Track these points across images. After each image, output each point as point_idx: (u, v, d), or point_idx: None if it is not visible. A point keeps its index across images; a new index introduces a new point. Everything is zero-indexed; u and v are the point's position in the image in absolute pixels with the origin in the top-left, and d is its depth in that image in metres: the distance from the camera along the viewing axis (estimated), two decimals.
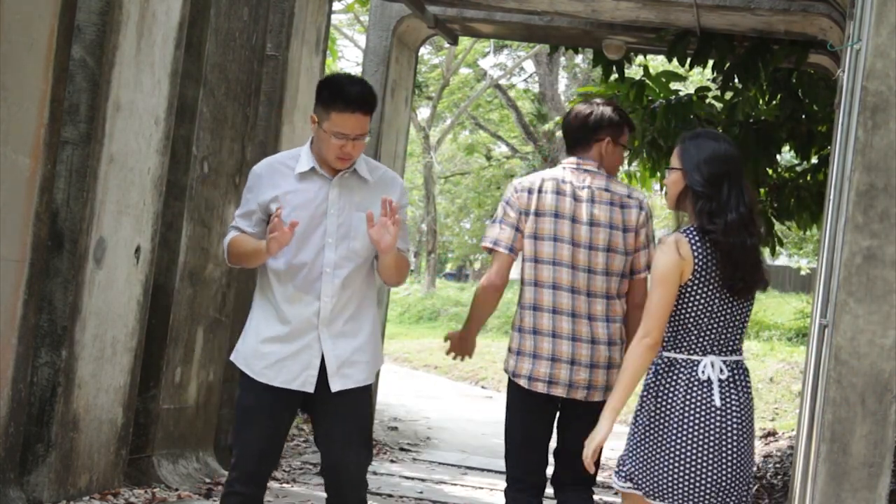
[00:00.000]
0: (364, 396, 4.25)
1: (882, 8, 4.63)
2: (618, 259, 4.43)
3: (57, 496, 5.67)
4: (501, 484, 4.89)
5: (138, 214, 6.16)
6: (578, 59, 27.17)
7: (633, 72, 12.65)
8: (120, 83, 5.84)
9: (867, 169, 4.61)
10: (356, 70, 19.80)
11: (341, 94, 4.09)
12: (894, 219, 4.58)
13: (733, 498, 3.92)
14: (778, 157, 10.81)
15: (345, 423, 4.20)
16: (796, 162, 11.17)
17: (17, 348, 5.23)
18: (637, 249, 4.45)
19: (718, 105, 10.53)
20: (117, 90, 5.82)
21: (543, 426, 4.56)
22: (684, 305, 3.92)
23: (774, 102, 10.11)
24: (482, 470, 9.03)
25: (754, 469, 3.92)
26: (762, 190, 10.77)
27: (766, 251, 12.16)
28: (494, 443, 10.98)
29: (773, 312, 22.06)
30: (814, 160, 10.57)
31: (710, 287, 3.92)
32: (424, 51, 27.47)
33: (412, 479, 8.30)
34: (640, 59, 13.57)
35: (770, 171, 10.61)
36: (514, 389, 4.57)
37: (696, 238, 3.93)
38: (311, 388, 4.16)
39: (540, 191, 4.49)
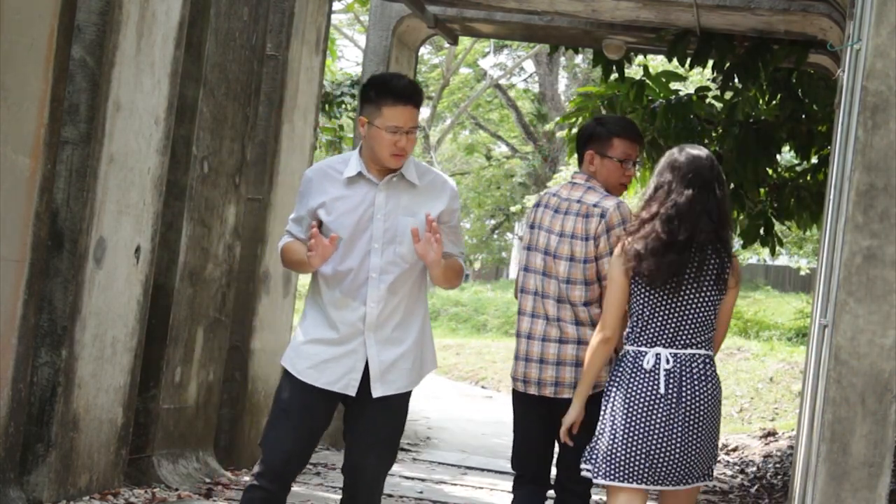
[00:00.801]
0: (402, 403, 4.27)
1: (882, 8, 4.63)
2: (577, 267, 4.56)
3: (57, 496, 5.67)
4: (501, 484, 5.02)
5: (138, 214, 6.16)
6: (578, 59, 27.18)
7: (633, 72, 12.64)
8: (120, 83, 5.84)
9: (867, 169, 4.61)
10: (356, 70, 19.81)
11: (390, 88, 4.12)
12: (894, 219, 4.58)
13: (684, 478, 4.22)
14: (778, 157, 10.81)
15: (377, 427, 4.21)
16: (796, 162, 11.17)
17: (17, 348, 5.23)
18: (599, 257, 4.54)
19: (718, 105, 10.53)
20: (117, 90, 5.82)
21: (538, 426, 4.70)
22: (631, 301, 4.31)
23: (774, 102, 10.11)
24: (482, 470, 9.02)
25: (716, 450, 4.34)
26: (762, 190, 10.77)
27: (765, 251, 12.17)
28: (494, 443, 10.98)
29: (773, 312, 22.06)
30: (814, 160, 10.57)
31: (646, 283, 4.26)
32: (424, 51, 27.47)
33: (412, 479, 8.30)
34: (640, 59, 13.57)
35: (770, 171, 10.61)
36: (512, 390, 4.82)
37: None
38: (353, 392, 4.16)
39: (538, 205, 4.76)
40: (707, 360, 4.28)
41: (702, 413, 4.21)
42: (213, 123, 6.88)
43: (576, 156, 4.88)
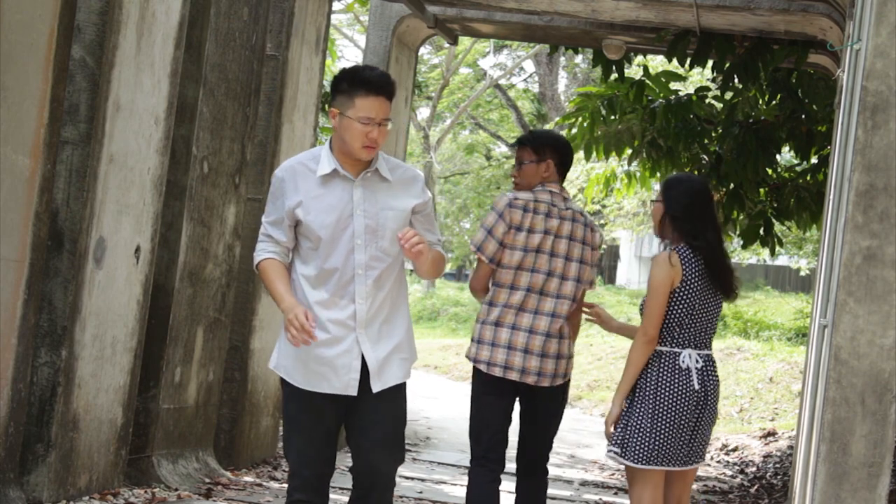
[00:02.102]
0: (401, 395, 4.26)
1: (882, 8, 4.63)
2: (585, 270, 5.17)
3: (57, 496, 5.67)
4: (502, 484, 5.07)
5: (138, 214, 6.16)
6: (578, 59, 27.18)
7: (633, 72, 12.65)
8: (120, 83, 5.84)
9: (867, 169, 4.61)
10: None
11: (362, 78, 4.10)
12: (894, 219, 4.59)
13: (699, 458, 4.87)
14: (778, 157, 10.81)
15: (381, 423, 4.20)
16: (796, 162, 11.18)
17: (17, 348, 5.23)
18: (594, 264, 5.23)
19: (718, 105, 10.53)
20: (117, 90, 5.82)
21: (507, 409, 5.17)
22: (671, 307, 4.78)
23: (774, 102, 10.12)
24: None
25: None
26: (762, 190, 10.77)
27: (765, 251, 12.18)
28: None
29: (773, 312, 22.05)
30: (814, 160, 10.57)
31: (693, 293, 4.77)
32: (424, 51, 27.47)
33: (412, 479, 8.30)
34: (639, 59, 13.58)
35: (770, 171, 10.61)
36: (476, 374, 5.22)
37: (686, 253, 4.79)
38: (354, 392, 4.14)
39: (534, 211, 5.11)
40: (714, 360, 4.90)
41: (715, 404, 4.86)
42: (212, 123, 6.88)
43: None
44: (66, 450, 5.73)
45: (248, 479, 7.31)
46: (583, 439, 12.06)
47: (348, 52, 36.20)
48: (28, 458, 5.57)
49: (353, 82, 4.10)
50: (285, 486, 7.23)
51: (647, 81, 10.19)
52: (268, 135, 7.73)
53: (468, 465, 5.23)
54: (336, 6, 13.41)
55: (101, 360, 5.96)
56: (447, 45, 23.53)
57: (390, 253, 4.17)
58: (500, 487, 5.15)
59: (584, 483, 9.26)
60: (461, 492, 8.09)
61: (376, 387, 4.15)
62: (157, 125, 6.25)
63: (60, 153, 5.54)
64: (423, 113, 29.99)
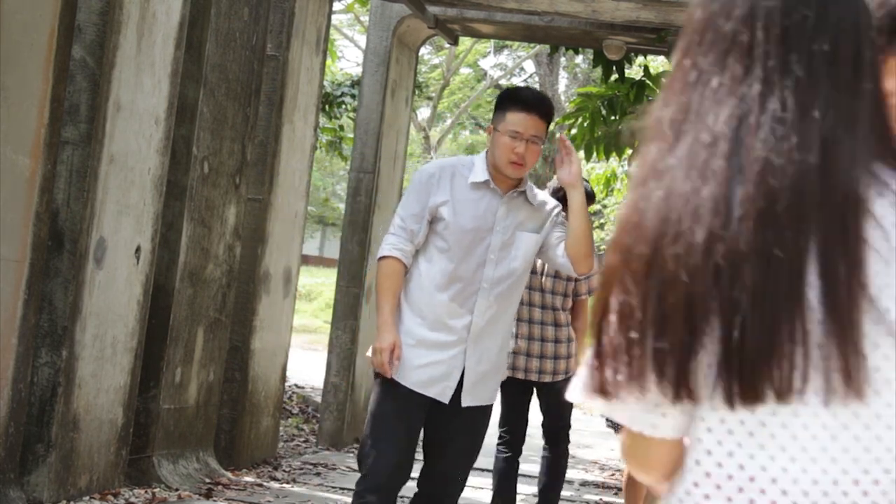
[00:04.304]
0: (488, 412, 4.33)
1: None
2: (560, 284, 5.94)
3: (57, 496, 5.67)
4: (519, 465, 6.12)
5: (138, 214, 6.16)
6: (578, 59, 27.18)
7: (634, 72, 12.64)
8: (120, 83, 5.84)
9: None
10: (356, 70, 19.77)
11: (517, 95, 4.24)
12: None
13: None
14: None
15: (464, 437, 4.25)
16: None
17: (17, 348, 5.23)
18: (577, 279, 5.93)
19: None
20: (117, 90, 5.82)
21: (526, 403, 6.14)
22: None
23: None
24: (482, 470, 9.02)
25: None
26: None
27: None
28: (495, 442, 10.96)
29: None
30: None
31: None
32: (424, 51, 27.46)
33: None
34: (640, 59, 13.58)
35: None
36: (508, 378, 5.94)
37: None
38: (446, 400, 4.18)
39: None
40: None
41: None
42: (213, 123, 6.88)
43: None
44: (66, 450, 5.73)
45: (248, 479, 7.31)
46: (583, 439, 12.06)
47: (348, 53, 36.23)
48: (28, 458, 5.57)
49: (509, 99, 4.22)
50: (285, 486, 7.25)
51: (648, 82, 10.19)
52: (268, 135, 7.73)
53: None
54: (336, 6, 13.42)
55: (102, 360, 5.96)
56: (447, 46, 23.53)
57: (517, 272, 4.22)
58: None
59: (584, 483, 9.26)
60: (468, 493, 8.09)
61: (466, 401, 4.19)
62: (158, 125, 6.25)
63: (61, 153, 5.54)
64: (424, 113, 29.99)
